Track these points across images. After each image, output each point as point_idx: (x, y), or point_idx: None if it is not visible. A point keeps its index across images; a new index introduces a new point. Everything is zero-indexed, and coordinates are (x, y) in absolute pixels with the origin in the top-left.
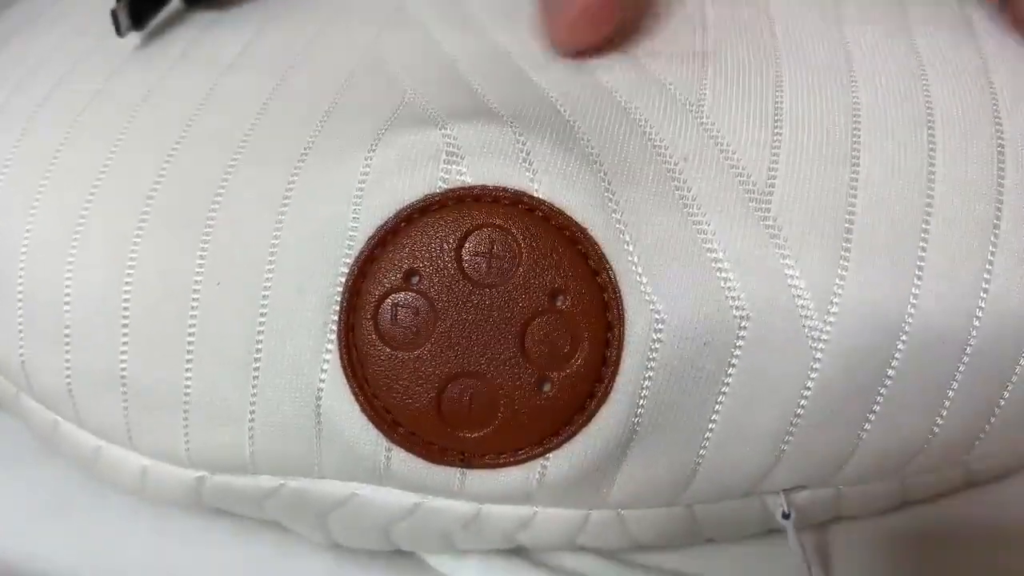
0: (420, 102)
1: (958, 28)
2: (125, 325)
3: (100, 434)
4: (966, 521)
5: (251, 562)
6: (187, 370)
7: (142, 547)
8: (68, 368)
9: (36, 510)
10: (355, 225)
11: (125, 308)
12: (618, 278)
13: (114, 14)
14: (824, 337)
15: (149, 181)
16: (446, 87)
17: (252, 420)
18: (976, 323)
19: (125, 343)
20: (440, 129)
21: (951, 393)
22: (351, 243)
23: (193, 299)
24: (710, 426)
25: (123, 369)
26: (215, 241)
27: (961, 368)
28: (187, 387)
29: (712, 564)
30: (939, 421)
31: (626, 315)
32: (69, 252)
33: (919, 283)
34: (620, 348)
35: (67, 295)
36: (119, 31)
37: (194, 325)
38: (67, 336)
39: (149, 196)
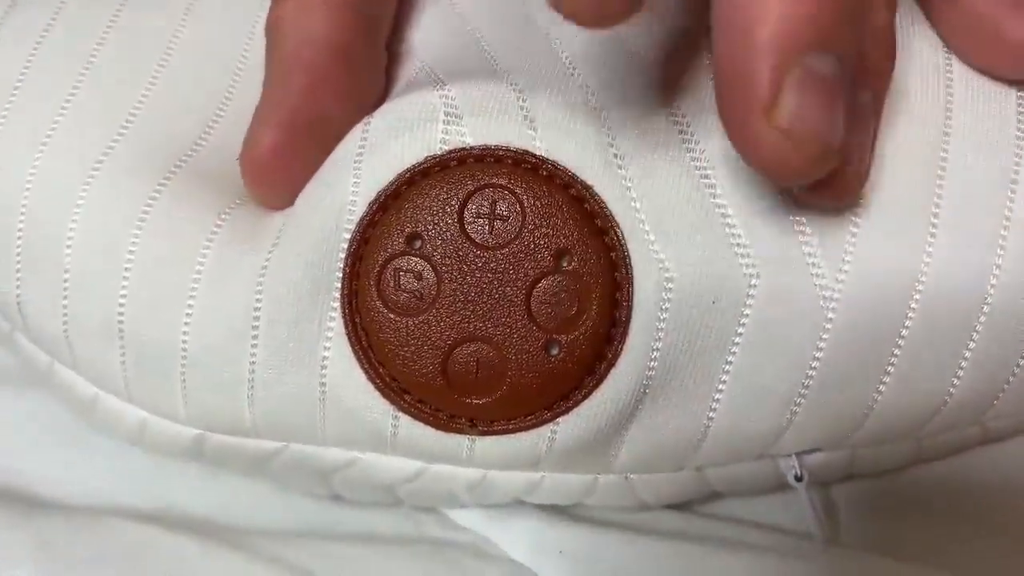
0: (429, 62)
1: None
2: (127, 276)
3: (97, 383)
4: (973, 474)
5: (250, 496)
6: (185, 331)
7: (142, 479)
8: (66, 313)
9: (32, 433)
10: (355, 190)
11: (130, 257)
12: (625, 236)
13: None
14: (836, 296)
15: (180, 137)
16: (451, 38)
17: (251, 387)
18: (993, 280)
19: (124, 294)
20: (438, 90)
21: (968, 353)
22: (353, 208)
23: (200, 260)
24: (720, 387)
25: (121, 321)
26: (227, 205)
27: (978, 327)
28: (184, 347)
29: (720, 507)
30: (956, 381)
31: (634, 274)
32: (79, 194)
33: (933, 239)
34: (629, 308)
35: (70, 238)
36: None
37: (197, 285)
38: (66, 280)
39: (176, 152)
